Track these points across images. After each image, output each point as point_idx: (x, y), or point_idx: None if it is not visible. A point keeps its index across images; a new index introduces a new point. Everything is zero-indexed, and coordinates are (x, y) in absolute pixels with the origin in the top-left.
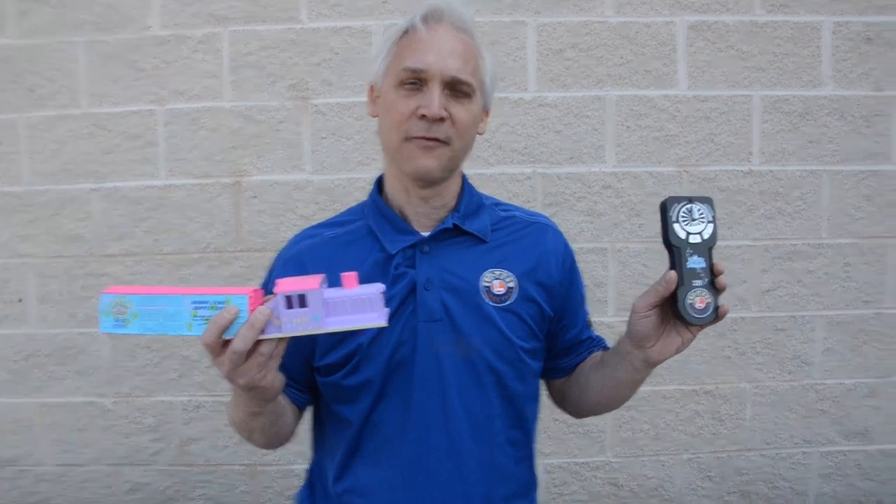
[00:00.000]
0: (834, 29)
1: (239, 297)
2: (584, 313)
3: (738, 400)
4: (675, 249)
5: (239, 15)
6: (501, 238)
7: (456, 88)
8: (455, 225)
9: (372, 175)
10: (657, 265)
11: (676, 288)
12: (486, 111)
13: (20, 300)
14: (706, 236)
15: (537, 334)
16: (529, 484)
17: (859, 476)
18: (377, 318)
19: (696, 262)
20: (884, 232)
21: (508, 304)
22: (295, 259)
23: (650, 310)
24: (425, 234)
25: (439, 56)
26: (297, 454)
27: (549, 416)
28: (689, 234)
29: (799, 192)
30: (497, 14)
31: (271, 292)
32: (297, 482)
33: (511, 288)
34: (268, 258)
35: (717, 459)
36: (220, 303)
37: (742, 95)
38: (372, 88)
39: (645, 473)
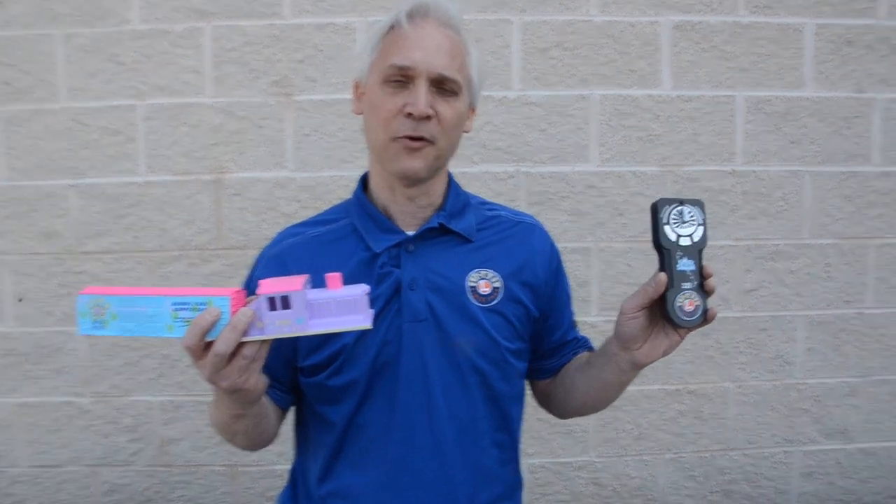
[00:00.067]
0: (816, 31)
1: (221, 299)
2: (570, 314)
3: (721, 399)
4: (665, 251)
5: (221, 10)
6: (487, 238)
7: (442, 86)
8: (441, 224)
9: (356, 173)
10: (641, 265)
11: (665, 290)
12: (472, 108)
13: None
14: (696, 239)
15: (523, 335)
16: (515, 485)
17: (840, 475)
18: (362, 320)
19: (685, 264)
20: (864, 232)
21: (494, 305)
22: (277, 258)
23: (638, 311)
24: (410, 232)
25: (425, 53)
26: (279, 454)
27: (532, 416)
28: (679, 236)
29: (781, 192)
30: (482, 12)
31: (253, 292)
32: (279, 483)
33: (497, 288)
34: (249, 256)
35: (700, 459)
36: (201, 304)
37: (725, 96)
38: (357, 85)
39: (628, 473)
